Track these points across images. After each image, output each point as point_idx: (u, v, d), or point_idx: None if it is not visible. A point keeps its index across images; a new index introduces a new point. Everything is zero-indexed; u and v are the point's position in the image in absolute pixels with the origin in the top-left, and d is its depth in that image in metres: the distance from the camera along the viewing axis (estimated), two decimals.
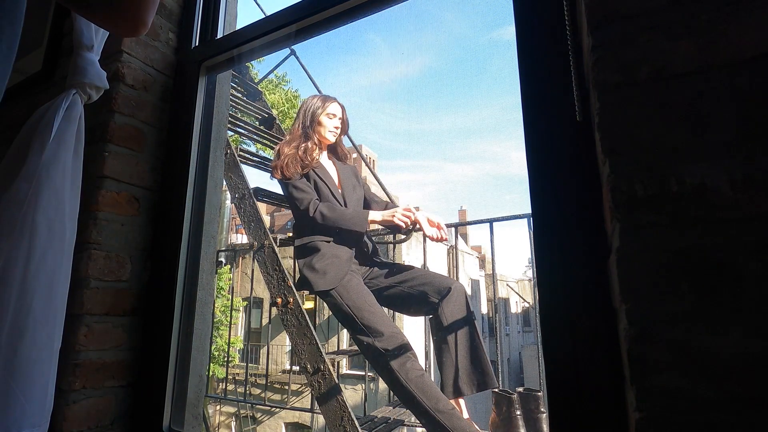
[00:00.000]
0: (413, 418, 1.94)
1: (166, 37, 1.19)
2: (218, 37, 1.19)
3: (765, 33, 0.41)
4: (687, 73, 0.44)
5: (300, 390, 9.01)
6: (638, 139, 0.45)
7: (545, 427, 1.74)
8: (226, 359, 8.50)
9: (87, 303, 0.95)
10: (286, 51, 3.98)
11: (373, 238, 1.90)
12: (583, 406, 0.53)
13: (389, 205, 1.83)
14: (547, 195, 0.61)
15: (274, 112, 4.58)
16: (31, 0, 0.55)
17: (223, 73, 1.22)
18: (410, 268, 1.69)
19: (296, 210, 1.67)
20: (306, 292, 1.75)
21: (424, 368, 1.53)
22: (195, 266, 1.08)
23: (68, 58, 0.98)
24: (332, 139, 1.76)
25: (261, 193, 3.17)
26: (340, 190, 1.72)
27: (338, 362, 3.17)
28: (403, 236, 1.74)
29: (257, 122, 3.86)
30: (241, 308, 9.90)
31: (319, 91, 3.55)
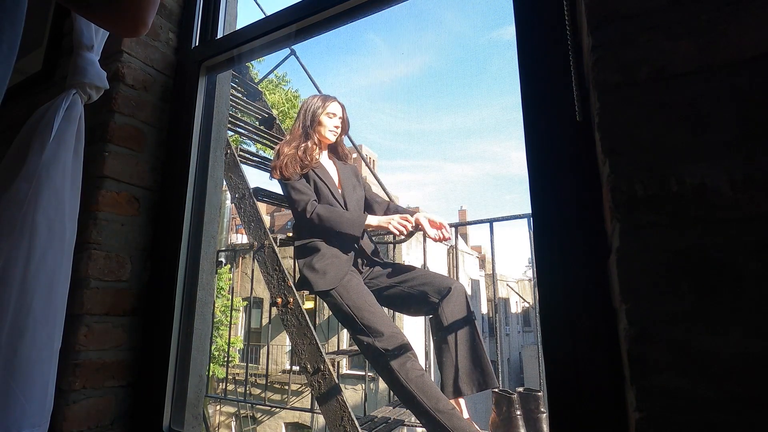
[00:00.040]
0: (413, 418, 1.94)
1: (166, 37, 1.19)
2: (218, 37, 1.19)
3: (765, 33, 0.41)
4: (687, 73, 0.44)
5: (300, 390, 9.01)
6: (638, 139, 0.45)
7: (545, 427, 1.74)
8: (226, 359, 8.50)
9: (87, 303, 0.95)
10: (286, 51, 3.98)
11: (374, 238, 1.90)
12: (583, 406, 0.53)
13: (390, 205, 1.83)
14: (547, 195, 0.61)
15: (274, 112, 4.58)
16: (31, 0, 0.55)
17: (223, 73, 1.22)
18: (410, 268, 1.69)
19: (295, 211, 1.67)
20: (306, 292, 1.75)
21: (424, 368, 1.53)
22: (195, 266, 1.08)
23: (68, 58, 0.98)
24: (333, 138, 1.76)
25: (261, 193, 3.17)
26: (340, 190, 1.72)
27: (338, 362, 3.17)
28: (402, 237, 1.74)
29: (257, 122, 3.86)
30: (241, 308, 9.91)
31: (319, 91, 3.55)
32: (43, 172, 0.82)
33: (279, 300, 2.72)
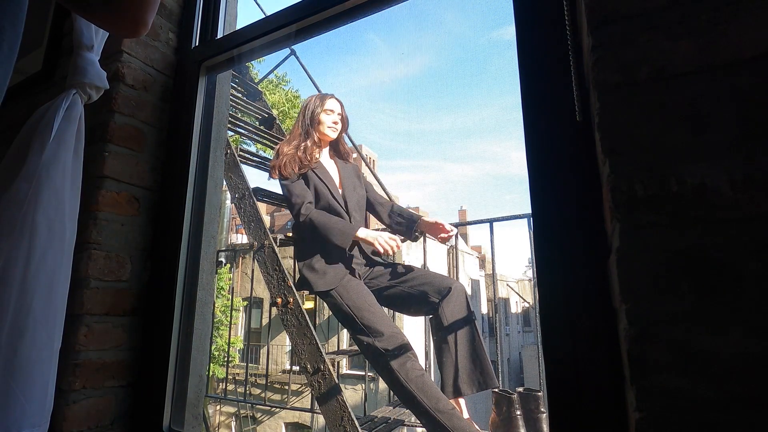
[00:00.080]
0: (413, 418, 1.94)
1: (166, 37, 1.19)
2: (218, 37, 1.19)
3: (765, 33, 0.41)
4: (687, 73, 0.44)
5: (300, 390, 9.02)
6: (638, 139, 0.45)
7: (545, 427, 1.74)
8: (226, 359, 8.50)
9: (87, 303, 0.95)
10: (286, 51, 3.99)
11: None
12: (583, 406, 0.53)
13: (394, 207, 1.83)
14: (547, 195, 0.61)
15: (274, 112, 4.58)
16: (31, 0, 0.55)
17: (223, 73, 1.22)
18: (410, 268, 1.69)
19: (291, 212, 1.68)
20: (306, 292, 1.75)
21: (424, 368, 1.53)
22: (195, 266, 1.08)
23: (68, 58, 0.98)
24: (332, 135, 1.76)
25: (261, 193, 3.17)
26: (340, 191, 1.72)
27: (338, 362, 3.17)
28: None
29: (257, 122, 3.86)
30: (241, 308, 9.91)
31: (319, 91, 3.55)
32: (43, 172, 0.82)
33: (279, 300, 2.72)
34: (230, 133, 3.45)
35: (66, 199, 0.85)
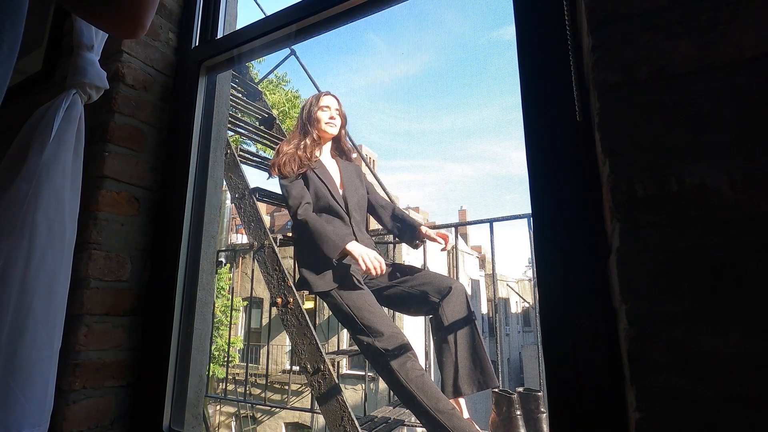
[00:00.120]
0: (413, 418, 1.94)
1: (166, 37, 1.19)
2: (218, 37, 1.19)
3: (765, 33, 0.41)
4: (687, 73, 0.44)
5: (300, 390, 9.02)
6: (638, 139, 0.45)
7: (545, 427, 1.74)
8: (226, 359, 8.51)
9: (87, 303, 0.95)
10: (286, 51, 3.99)
11: (373, 238, 1.90)
12: (583, 406, 0.53)
13: (395, 209, 1.84)
14: (547, 195, 0.61)
15: (275, 112, 4.58)
16: (31, 0, 0.55)
17: (223, 73, 1.22)
18: (410, 267, 1.70)
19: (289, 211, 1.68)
20: (306, 292, 1.75)
21: (424, 368, 1.53)
22: (195, 266, 1.08)
23: (68, 58, 0.98)
24: (332, 131, 1.76)
25: (261, 193, 3.17)
26: (341, 191, 1.72)
27: (338, 362, 3.17)
28: (409, 245, 1.78)
29: (257, 122, 3.86)
30: (241, 308, 9.91)
31: (318, 91, 3.55)
32: (43, 172, 0.82)
33: (279, 300, 2.72)
34: (230, 133, 3.45)
35: (66, 199, 0.85)
